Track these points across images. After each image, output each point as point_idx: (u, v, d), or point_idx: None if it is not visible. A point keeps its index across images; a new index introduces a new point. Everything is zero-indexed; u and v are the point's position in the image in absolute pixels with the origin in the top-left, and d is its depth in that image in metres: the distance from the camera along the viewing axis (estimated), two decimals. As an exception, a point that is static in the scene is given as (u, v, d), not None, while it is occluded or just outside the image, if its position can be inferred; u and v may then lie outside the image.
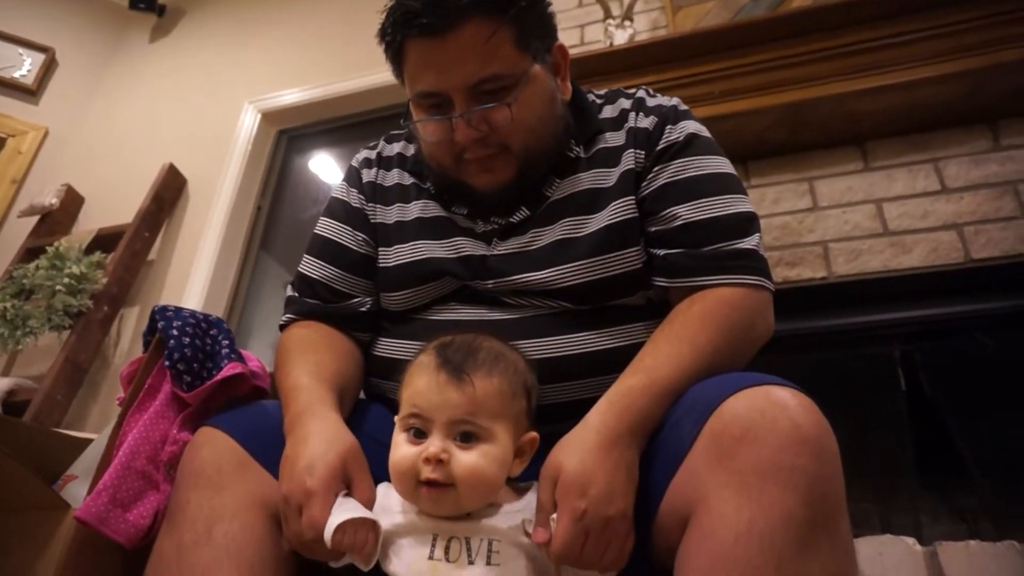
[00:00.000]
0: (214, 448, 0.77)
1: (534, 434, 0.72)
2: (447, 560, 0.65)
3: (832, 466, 0.63)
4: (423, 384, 0.68)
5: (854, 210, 1.65)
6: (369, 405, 0.92)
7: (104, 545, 0.78)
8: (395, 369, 0.82)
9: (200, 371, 0.82)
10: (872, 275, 1.57)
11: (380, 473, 0.71)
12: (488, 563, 0.65)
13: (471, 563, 0.65)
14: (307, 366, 0.82)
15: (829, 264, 1.61)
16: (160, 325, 0.83)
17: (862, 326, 1.56)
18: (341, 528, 0.65)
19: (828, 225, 1.66)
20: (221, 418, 0.80)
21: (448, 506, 0.66)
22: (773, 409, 0.64)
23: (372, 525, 0.67)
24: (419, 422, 0.67)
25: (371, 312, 0.95)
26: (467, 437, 0.66)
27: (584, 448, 0.67)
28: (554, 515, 0.65)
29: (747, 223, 0.85)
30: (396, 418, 0.71)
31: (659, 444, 0.72)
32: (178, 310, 0.85)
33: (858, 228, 1.63)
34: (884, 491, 1.39)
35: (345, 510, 0.67)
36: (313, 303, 0.94)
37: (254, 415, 0.82)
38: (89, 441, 0.97)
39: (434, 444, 0.66)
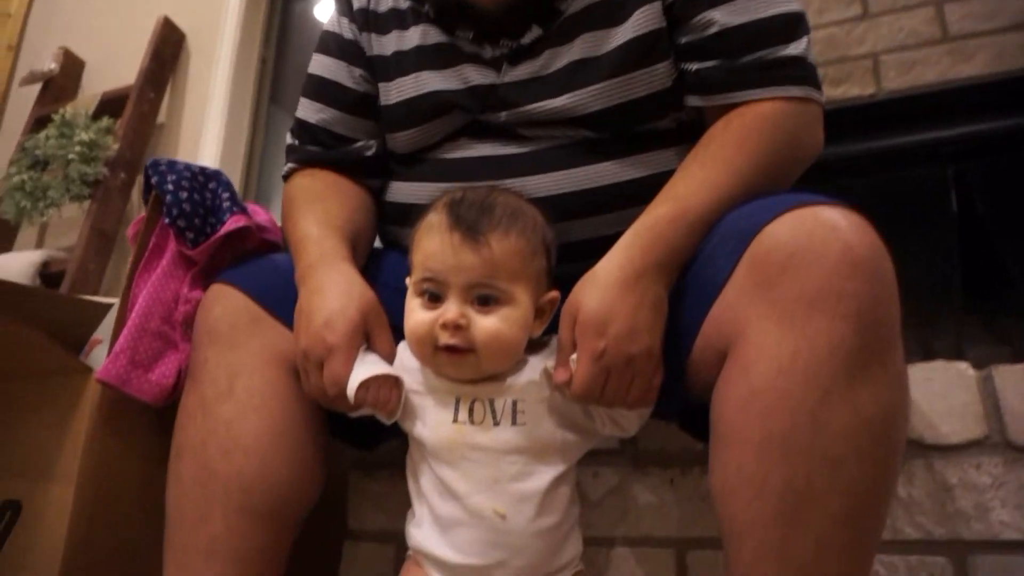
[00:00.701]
0: (226, 305, 0.75)
1: (555, 293, 0.68)
2: (471, 423, 0.64)
3: (887, 290, 0.58)
4: (435, 246, 0.64)
5: (910, 15, 1.48)
6: (385, 253, 0.88)
7: (133, 406, 0.79)
8: (409, 214, 0.76)
9: (203, 226, 0.78)
10: (927, 88, 1.43)
11: (402, 321, 0.68)
12: (514, 423, 0.64)
13: (496, 424, 0.64)
14: (315, 215, 0.77)
15: (879, 79, 1.47)
16: (154, 180, 0.78)
17: (913, 145, 1.44)
18: (364, 384, 0.64)
19: (879, 34, 1.49)
20: (231, 273, 0.77)
21: (469, 370, 0.64)
22: (822, 231, 0.58)
23: (395, 381, 0.66)
24: (434, 286, 0.64)
25: (378, 156, 0.88)
26: (486, 300, 0.63)
27: (606, 284, 0.63)
28: (574, 355, 0.62)
29: (793, 26, 0.74)
30: (408, 280, 0.68)
31: (693, 276, 0.67)
32: (172, 163, 0.80)
33: (913, 35, 1.47)
34: (927, 315, 1.34)
35: (368, 366, 0.65)
36: (314, 150, 0.88)
37: (265, 269, 0.79)
38: (111, 305, 0.96)
39: (451, 310, 0.62)
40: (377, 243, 0.91)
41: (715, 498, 0.63)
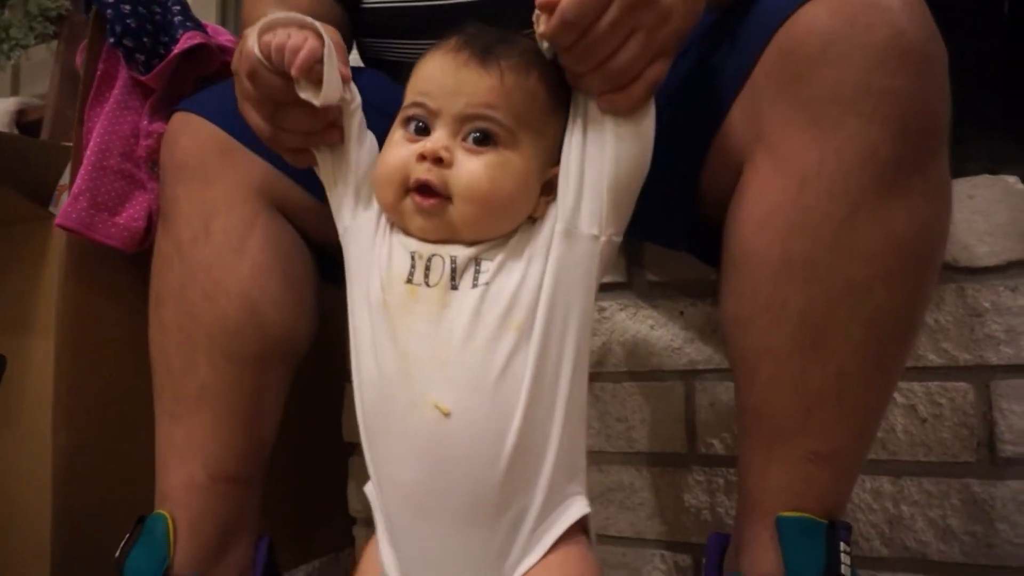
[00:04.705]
0: (193, 136, 0.67)
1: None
2: (427, 284, 0.49)
3: (938, 88, 0.49)
4: (433, 66, 0.51)
5: None
6: (364, 71, 0.78)
7: (105, 252, 0.73)
8: (394, 22, 0.67)
9: (154, 47, 0.69)
10: None
11: None
12: (475, 284, 0.49)
13: (454, 287, 0.49)
14: (274, 5, 0.66)
15: None
16: (90, -5, 0.67)
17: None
18: (269, 27, 0.50)
19: None
20: (194, 101, 0.68)
21: (439, 225, 0.49)
22: (869, 14, 0.48)
23: (315, 38, 0.50)
24: (422, 112, 0.50)
25: None
26: (482, 139, 0.49)
27: None
28: None
29: None
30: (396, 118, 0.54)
31: (709, 67, 0.58)
32: (108, -27, 0.69)
33: None
34: (958, 130, 1.24)
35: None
36: None
37: (232, 93, 0.70)
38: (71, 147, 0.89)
39: (433, 138, 0.49)
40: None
41: (727, 327, 0.59)
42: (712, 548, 0.63)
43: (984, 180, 0.71)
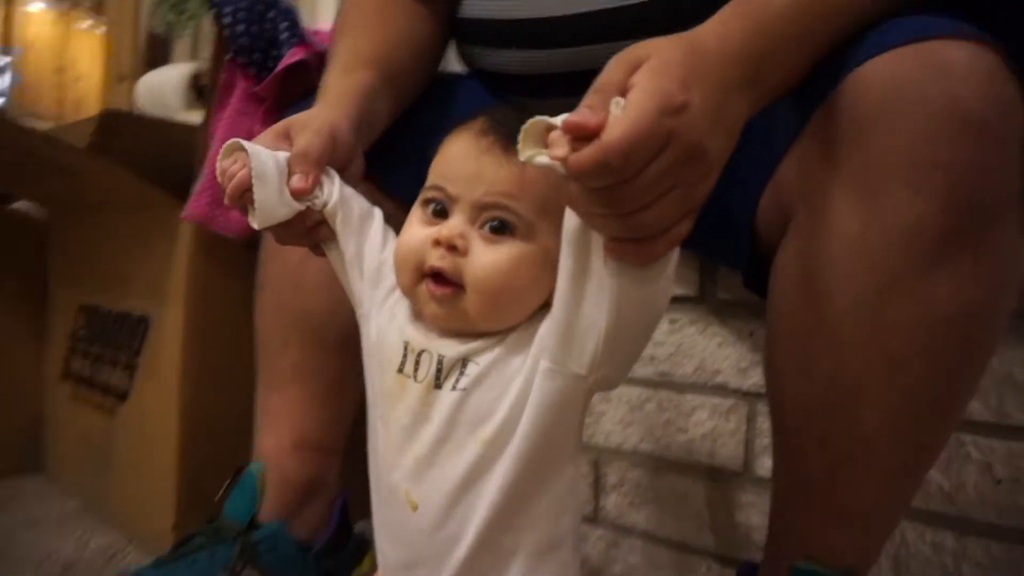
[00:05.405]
0: None
1: None
2: (415, 379, 0.49)
3: (1001, 159, 0.45)
4: (457, 148, 0.49)
5: None
6: (463, 83, 0.82)
7: (226, 238, 0.84)
8: (488, 31, 0.69)
9: (265, 61, 0.77)
10: None
11: None
12: (454, 388, 0.48)
13: (438, 387, 0.48)
14: (342, 56, 0.70)
15: None
16: (214, 12, 0.76)
17: None
18: (228, 151, 0.53)
19: None
20: (297, 108, 0.75)
21: (452, 314, 0.47)
22: (930, 75, 0.45)
23: (243, 166, 0.52)
24: (441, 195, 0.49)
25: None
26: (499, 228, 0.47)
27: (695, 44, 0.42)
28: (619, 99, 0.37)
29: None
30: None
31: (772, 111, 0.56)
32: (237, -11, 0.77)
33: None
34: None
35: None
36: None
37: None
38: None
39: (449, 225, 0.47)
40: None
41: (764, 371, 0.59)
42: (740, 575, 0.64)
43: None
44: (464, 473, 0.46)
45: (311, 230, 0.57)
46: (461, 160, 0.48)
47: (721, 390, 0.81)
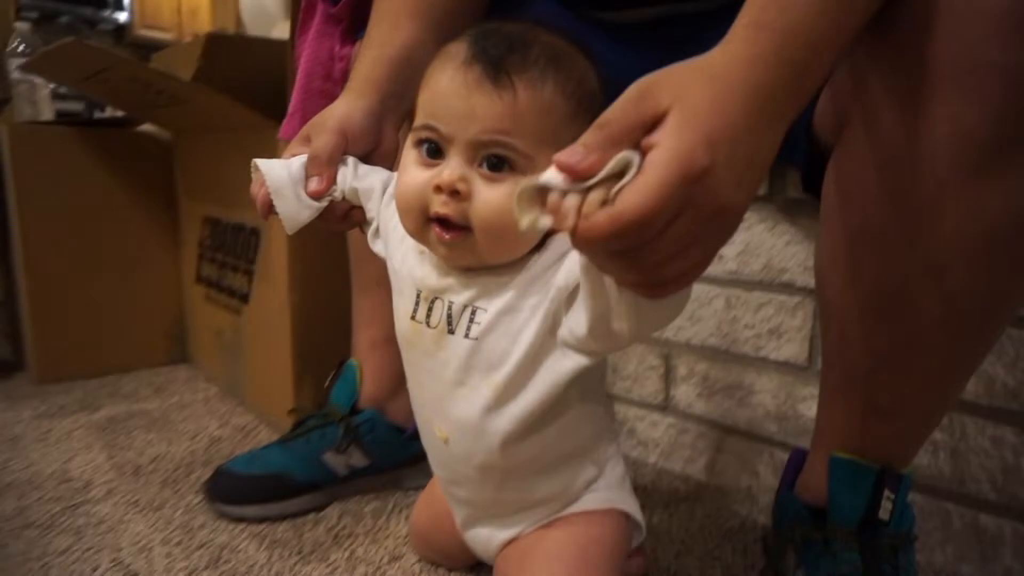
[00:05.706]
0: None
1: None
2: (428, 325, 0.54)
3: None
4: (445, 83, 0.48)
5: None
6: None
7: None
8: None
9: (340, -18, 0.80)
10: None
11: None
12: (467, 335, 0.52)
13: (451, 332, 0.53)
14: (385, 5, 0.69)
15: None
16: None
17: None
18: (252, 170, 0.61)
19: None
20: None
21: (464, 255, 0.50)
22: None
23: (262, 185, 0.60)
24: (434, 136, 0.49)
25: None
26: (497, 164, 0.47)
27: (720, 79, 0.36)
28: (635, 155, 0.34)
29: None
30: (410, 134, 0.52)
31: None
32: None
33: None
34: None
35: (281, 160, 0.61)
36: None
37: None
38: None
39: (449, 169, 0.48)
40: None
41: (815, 275, 0.60)
42: (792, 461, 0.68)
43: None
44: (481, 411, 0.53)
45: (345, 216, 0.64)
46: (451, 97, 0.47)
47: (788, 288, 0.83)
